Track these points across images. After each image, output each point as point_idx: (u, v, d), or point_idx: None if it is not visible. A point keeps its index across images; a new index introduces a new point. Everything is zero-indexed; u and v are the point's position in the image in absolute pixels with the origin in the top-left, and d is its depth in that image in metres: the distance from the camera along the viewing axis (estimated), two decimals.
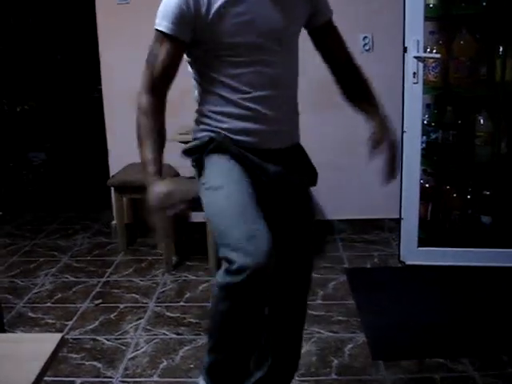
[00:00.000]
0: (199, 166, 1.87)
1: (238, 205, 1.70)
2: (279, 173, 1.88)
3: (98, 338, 2.89)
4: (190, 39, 1.78)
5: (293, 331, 2.07)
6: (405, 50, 3.38)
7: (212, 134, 1.85)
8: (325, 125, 4.12)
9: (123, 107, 3.97)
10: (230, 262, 1.58)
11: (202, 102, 1.90)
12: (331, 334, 2.84)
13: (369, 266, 3.70)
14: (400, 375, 2.48)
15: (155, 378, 2.53)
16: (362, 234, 4.22)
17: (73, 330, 2.96)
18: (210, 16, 1.73)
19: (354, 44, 4.01)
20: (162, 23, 1.76)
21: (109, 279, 3.62)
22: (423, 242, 3.59)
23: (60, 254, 4.10)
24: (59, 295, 3.41)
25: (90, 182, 5.60)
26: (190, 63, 1.90)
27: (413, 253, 3.59)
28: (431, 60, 3.51)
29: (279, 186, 1.89)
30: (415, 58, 3.35)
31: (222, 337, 1.75)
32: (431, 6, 3.46)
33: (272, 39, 1.81)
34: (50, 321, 3.09)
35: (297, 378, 2.46)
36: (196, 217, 4.21)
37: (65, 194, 5.62)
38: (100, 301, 3.29)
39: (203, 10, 1.72)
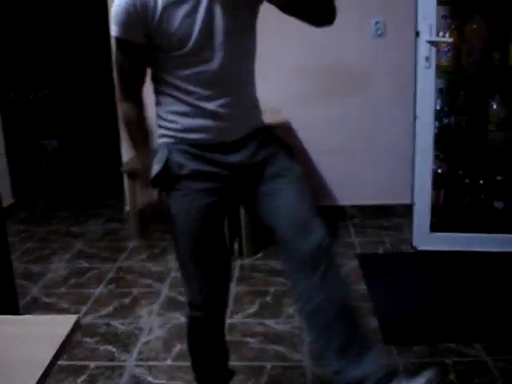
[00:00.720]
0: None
1: (188, 260, 1.96)
2: (242, 160, 1.87)
3: (112, 322, 2.92)
4: (144, 42, 1.77)
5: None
6: (417, 34, 3.36)
7: (167, 140, 1.90)
8: (336, 110, 4.11)
9: None
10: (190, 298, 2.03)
11: (157, 104, 1.92)
12: None
13: (381, 251, 3.71)
14: (412, 360, 2.49)
15: (169, 362, 2.56)
16: (373, 219, 4.22)
17: (87, 315, 3.00)
18: (156, 18, 1.72)
19: (366, 29, 4.01)
20: (114, 28, 1.76)
21: (122, 265, 3.65)
22: (435, 227, 3.59)
23: (74, 240, 4.13)
24: (73, 280, 3.44)
25: (102, 168, 5.63)
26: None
27: (425, 238, 3.59)
28: (444, 44, 3.49)
29: (246, 171, 1.87)
30: (428, 42, 3.33)
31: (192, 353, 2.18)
32: None
33: (212, 38, 1.77)
34: (65, 306, 3.13)
35: (309, 362, 2.48)
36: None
37: (78, 181, 5.65)
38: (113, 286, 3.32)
39: (150, 13, 1.72)
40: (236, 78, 1.88)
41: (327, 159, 4.15)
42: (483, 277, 3.23)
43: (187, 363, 2.51)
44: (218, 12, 1.76)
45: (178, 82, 1.81)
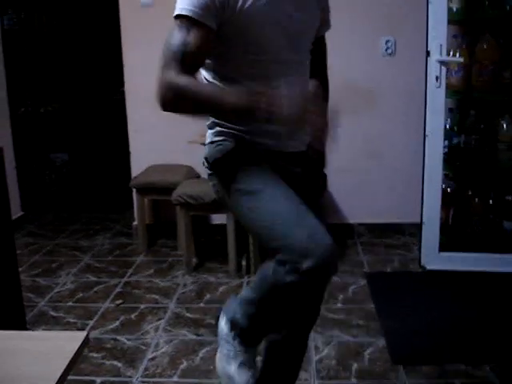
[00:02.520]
0: (224, 173, 1.85)
1: (287, 205, 1.69)
2: (299, 174, 1.90)
3: (119, 337, 2.91)
4: (217, 31, 1.71)
5: None
6: (428, 53, 3.37)
7: (233, 142, 1.83)
8: (345, 128, 4.11)
9: (145, 109, 4.00)
10: (294, 263, 1.58)
11: None
12: (351, 337, 2.84)
13: (389, 270, 3.69)
14: (420, 380, 2.47)
15: (175, 379, 2.54)
16: (382, 238, 4.21)
17: (94, 330, 2.99)
18: (238, 8, 1.69)
19: (376, 47, 4.02)
20: (189, 8, 1.67)
21: (129, 280, 3.65)
22: (444, 246, 3.57)
23: (81, 254, 4.14)
24: (80, 295, 3.44)
25: (111, 183, 5.64)
26: (207, 62, 1.83)
27: (434, 258, 3.57)
28: (454, 64, 3.49)
29: (301, 186, 1.86)
30: (438, 61, 3.34)
31: (267, 314, 1.85)
32: (454, 9, 3.45)
33: (293, 41, 1.81)
34: (72, 320, 3.12)
35: (316, 382, 2.46)
36: (216, 219, 4.26)
37: (87, 195, 5.66)
38: (121, 301, 3.31)
39: (231, 1, 1.68)
40: (302, 85, 1.90)
41: (336, 177, 4.13)
42: (492, 297, 3.21)
43: (193, 380, 2.51)
44: (300, 17, 1.80)
45: (247, 81, 1.77)
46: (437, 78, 3.35)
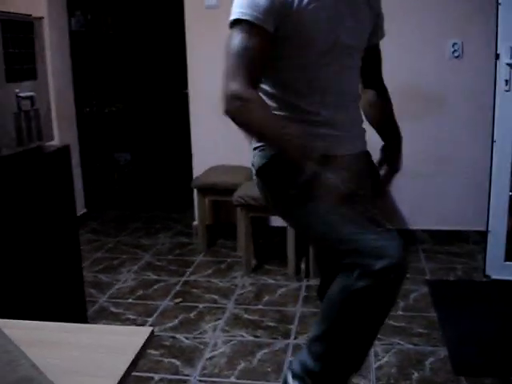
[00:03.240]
0: (271, 179, 1.82)
1: (353, 207, 1.65)
2: (351, 178, 1.85)
3: (177, 335, 2.93)
4: (273, 33, 1.71)
5: None
6: (497, 56, 3.28)
7: None
8: (410, 132, 4.00)
9: (208, 110, 4.03)
10: (366, 266, 1.56)
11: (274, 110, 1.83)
12: (412, 346, 2.78)
13: (452, 278, 3.59)
14: None
15: (232, 380, 2.54)
16: (445, 245, 4.11)
17: (153, 327, 3.01)
18: (295, 6, 1.68)
19: (443, 50, 3.93)
20: (248, 12, 1.67)
21: (189, 279, 3.67)
22: (510, 256, 3.46)
23: (142, 252, 4.19)
24: (140, 292, 3.48)
25: (173, 182, 5.71)
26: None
27: (499, 267, 3.47)
28: None
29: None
30: (508, 64, 3.24)
31: (343, 341, 1.76)
32: None
33: (349, 44, 1.79)
34: (131, 316, 3.16)
35: None
36: (275, 221, 4.24)
37: (149, 194, 5.75)
38: (180, 300, 3.34)
39: (287, 5, 1.68)
40: (355, 89, 1.91)
41: (399, 182, 4.03)
42: None
43: (251, 382, 2.50)
44: (356, 21, 1.81)
45: (297, 84, 1.77)
46: (506, 82, 3.26)
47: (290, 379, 1.89)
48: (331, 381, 1.84)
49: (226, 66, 1.70)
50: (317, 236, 1.75)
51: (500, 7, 3.21)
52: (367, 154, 2.01)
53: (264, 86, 1.83)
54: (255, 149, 1.88)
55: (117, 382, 0.92)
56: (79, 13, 5.47)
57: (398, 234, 1.63)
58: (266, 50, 1.70)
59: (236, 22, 1.71)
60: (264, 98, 1.80)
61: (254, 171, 1.91)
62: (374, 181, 2.02)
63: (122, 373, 0.95)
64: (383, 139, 2.09)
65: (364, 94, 2.06)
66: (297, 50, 1.75)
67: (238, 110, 1.67)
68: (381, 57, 2.08)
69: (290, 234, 3.57)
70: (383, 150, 2.04)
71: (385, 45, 2.09)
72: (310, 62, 1.76)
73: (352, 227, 1.62)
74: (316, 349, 1.80)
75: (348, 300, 1.64)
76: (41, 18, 2.50)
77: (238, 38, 1.69)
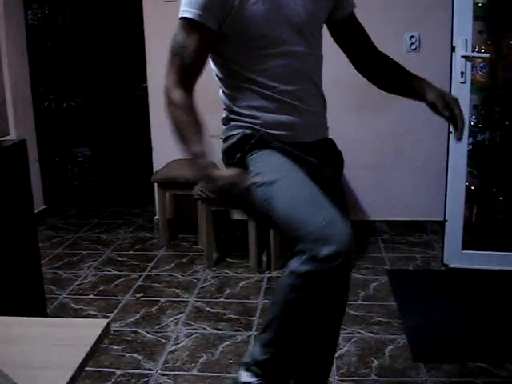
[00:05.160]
0: (240, 165, 1.80)
1: (304, 194, 1.65)
2: (318, 165, 1.87)
3: (139, 330, 2.92)
4: (218, 30, 1.72)
5: None
6: (453, 49, 3.33)
7: (247, 131, 1.81)
8: (368, 125, 4.09)
9: None
10: (312, 251, 1.54)
11: (230, 99, 1.85)
12: (372, 334, 2.82)
13: (411, 267, 3.65)
14: (441, 378, 2.44)
15: (194, 372, 2.54)
16: (404, 235, 4.17)
17: (114, 322, 3.00)
18: (237, 3, 1.68)
19: (400, 43, 3.98)
20: (190, 10, 1.68)
21: (150, 273, 3.66)
22: (467, 245, 3.53)
23: (103, 248, 4.16)
24: (101, 288, 3.45)
25: (133, 177, 5.67)
26: (215, 59, 1.85)
27: (457, 256, 3.53)
28: (479, 60, 3.45)
29: (317, 177, 1.81)
30: (463, 57, 3.29)
31: (289, 328, 1.74)
32: (480, 4, 3.40)
33: (297, 31, 1.78)
34: (92, 312, 3.13)
35: (336, 378, 2.44)
36: (237, 214, 4.25)
37: (109, 189, 5.70)
38: (141, 294, 3.32)
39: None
40: (314, 75, 1.89)
41: (359, 174, 4.11)
42: None
43: (213, 374, 2.51)
44: (301, 6, 1.78)
45: (256, 75, 1.77)
46: (462, 74, 3.31)
47: (241, 371, 1.86)
48: (279, 369, 1.83)
49: (167, 61, 1.75)
50: (273, 223, 1.73)
51: (455, 0, 3.26)
52: (328, 141, 2.01)
53: (227, 79, 1.84)
54: (227, 138, 1.89)
55: (72, 373, 0.91)
56: (36, 6, 5.36)
57: (348, 222, 1.63)
58: (204, 47, 1.74)
59: (180, 19, 1.73)
60: (228, 90, 1.84)
61: (223, 161, 1.93)
62: (335, 166, 2.02)
63: (77, 365, 0.94)
64: (417, 96, 1.97)
65: (371, 72, 2.03)
66: (247, 42, 1.75)
67: (165, 106, 1.73)
68: (363, 28, 2.02)
69: (252, 227, 3.58)
70: (428, 102, 1.94)
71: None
72: (263, 54, 1.76)
73: (301, 214, 1.61)
74: (264, 336, 1.80)
75: (293, 285, 1.63)
76: None
77: (178, 36, 1.72)
